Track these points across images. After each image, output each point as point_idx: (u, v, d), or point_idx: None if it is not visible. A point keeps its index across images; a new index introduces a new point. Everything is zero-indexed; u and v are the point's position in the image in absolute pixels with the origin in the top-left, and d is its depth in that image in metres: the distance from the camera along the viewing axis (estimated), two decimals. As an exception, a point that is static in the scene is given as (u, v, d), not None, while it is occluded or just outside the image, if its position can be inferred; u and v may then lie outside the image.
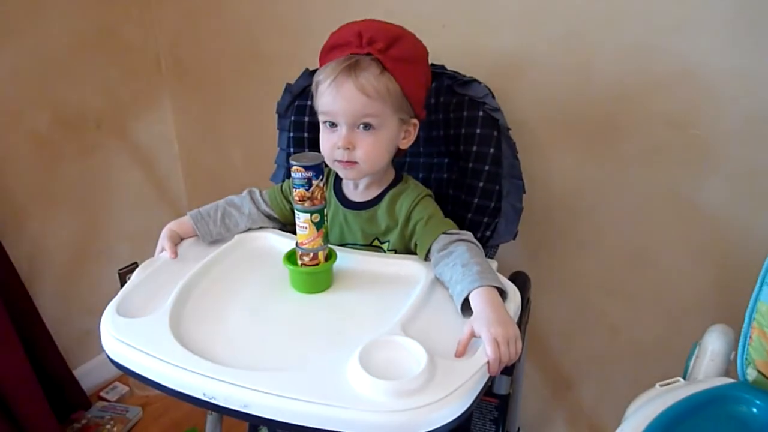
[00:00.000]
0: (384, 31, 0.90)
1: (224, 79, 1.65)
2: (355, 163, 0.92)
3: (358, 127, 0.90)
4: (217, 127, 1.76)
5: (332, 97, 0.89)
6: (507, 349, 0.73)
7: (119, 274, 1.78)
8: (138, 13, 1.67)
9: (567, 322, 1.34)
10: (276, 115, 1.18)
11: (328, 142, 0.93)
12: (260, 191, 1.08)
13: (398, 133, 0.94)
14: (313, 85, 0.94)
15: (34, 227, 1.56)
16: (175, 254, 0.97)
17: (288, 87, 1.16)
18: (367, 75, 0.87)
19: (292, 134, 1.16)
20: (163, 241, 1.00)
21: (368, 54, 0.89)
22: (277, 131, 1.19)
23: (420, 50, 0.96)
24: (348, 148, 0.90)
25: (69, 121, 1.58)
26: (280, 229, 1.07)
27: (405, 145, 0.97)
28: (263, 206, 1.06)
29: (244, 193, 1.07)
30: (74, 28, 1.54)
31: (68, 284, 1.67)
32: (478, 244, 0.92)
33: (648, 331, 1.24)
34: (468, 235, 0.92)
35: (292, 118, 1.15)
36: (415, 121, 0.96)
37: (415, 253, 0.95)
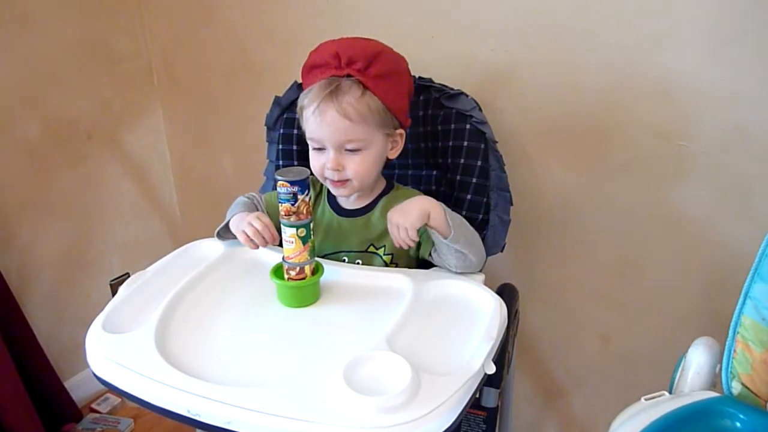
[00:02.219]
0: (362, 49, 0.91)
1: (216, 89, 1.65)
2: (347, 180, 0.95)
3: (345, 149, 0.93)
4: (208, 137, 1.75)
5: (317, 125, 0.91)
6: (398, 232, 0.90)
7: (111, 284, 1.78)
8: (129, 23, 1.66)
9: (557, 332, 1.34)
10: (265, 128, 1.19)
11: (318, 162, 0.96)
12: (260, 196, 1.09)
13: (385, 146, 0.97)
14: (298, 108, 0.96)
15: (24, 238, 1.55)
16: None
17: (277, 99, 1.16)
18: (348, 99, 0.89)
19: (281, 147, 1.16)
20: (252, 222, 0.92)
21: (348, 75, 0.90)
22: (266, 143, 1.19)
23: (399, 63, 0.97)
24: (337, 170, 0.93)
25: (60, 131, 1.58)
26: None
27: (394, 155, 0.99)
28: (262, 211, 1.06)
29: (246, 199, 1.06)
30: (65, 38, 1.53)
31: (59, 295, 1.66)
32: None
33: (639, 340, 1.24)
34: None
35: (281, 131, 1.15)
36: (401, 131, 0.98)
37: (412, 256, 0.99)
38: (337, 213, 1.03)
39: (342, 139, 0.91)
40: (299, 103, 0.95)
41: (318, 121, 0.91)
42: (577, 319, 1.30)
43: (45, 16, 1.48)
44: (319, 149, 0.95)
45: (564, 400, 1.40)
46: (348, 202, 1.03)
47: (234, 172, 1.74)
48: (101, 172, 1.70)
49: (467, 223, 0.96)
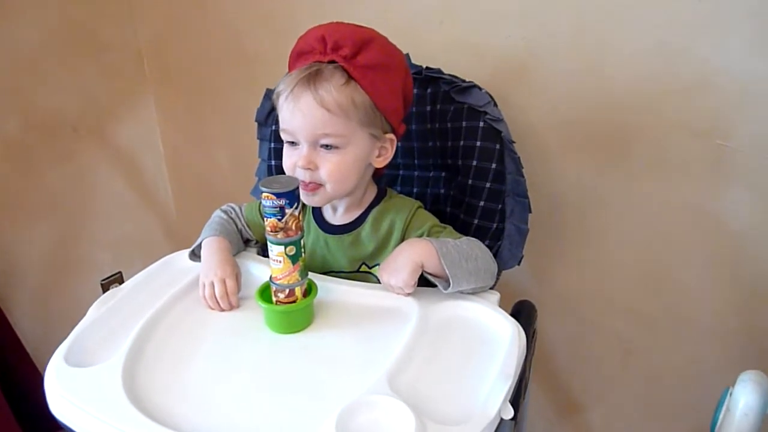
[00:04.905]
0: (351, 35, 0.79)
1: (210, 78, 1.57)
2: (319, 186, 0.83)
3: (321, 146, 0.81)
4: (203, 129, 1.67)
5: (290, 112, 0.80)
6: (393, 291, 0.82)
7: (102, 284, 1.70)
8: (116, 8, 1.57)
9: (576, 345, 1.26)
10: (256, 124, 1.08)
11: (289, 160, 0.84)
12: (239, 208, 0.98)
13: (370, 150, 0.85)
14: (274, 95, 0.84)
15: (6, 238, 1.47)
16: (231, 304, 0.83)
17: (268, 93, 1.06)
18: (327, 86, 0.77)
19: (273, 145, 1.06)
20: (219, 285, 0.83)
21: (332, 62, 0.79)
22: (258, 141, 1.09)
23: (394, 56, 0.85)
24: (309, 169, 0.81)
25: (43, 125, 1.49)
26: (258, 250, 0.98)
27: (380, 163, 0.87)
28: (241, 227, 0.97)
29: (223, 215, 0.97)
30: (46, 25, 1.45)
31: (47, 297, 1.59)
32: (483, 246, 0.87)
33: (663, 356, 1.16)
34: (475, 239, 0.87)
35: (274, 128, 1.05)
36: (392, 136, 0.86)
37: None
38: (323, 230, 0.92)
39: (317, 132, 0.79)
40: (275, 89, 0.83)
41: (291, 108, 0.79)
42: (598, 332, 1.21)
43: (24, 2, 1.39)
44: (292, 144, 0.83)
45: (581, 417, 1.32)
46: (335, 218, 0.92)
47: (230, 165, 1.66)
48: (90, 168, 1.62)
49: (467, 248, 0.83)
